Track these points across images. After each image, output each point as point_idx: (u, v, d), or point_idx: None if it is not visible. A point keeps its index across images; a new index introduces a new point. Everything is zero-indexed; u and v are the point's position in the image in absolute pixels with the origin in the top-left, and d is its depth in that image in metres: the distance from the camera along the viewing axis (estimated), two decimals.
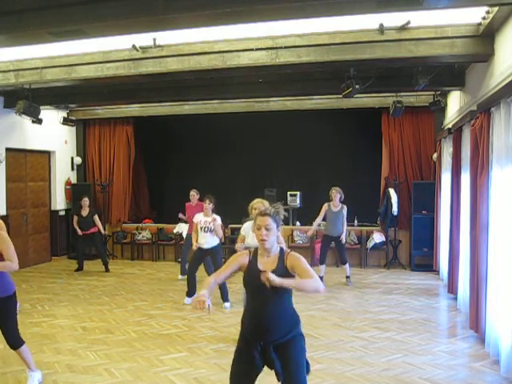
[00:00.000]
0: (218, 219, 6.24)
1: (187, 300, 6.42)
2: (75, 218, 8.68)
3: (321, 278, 7.40)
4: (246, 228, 4.97)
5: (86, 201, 8.65)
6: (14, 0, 4.03)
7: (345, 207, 7.36)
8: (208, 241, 6.24)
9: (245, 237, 4.99)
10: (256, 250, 2.85)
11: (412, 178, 9.09)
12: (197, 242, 6.29)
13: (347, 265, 7.53)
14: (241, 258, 2.83)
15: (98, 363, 4.42)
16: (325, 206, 7.41)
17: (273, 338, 2.69)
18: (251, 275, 2.72)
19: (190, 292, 6.40)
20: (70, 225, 10.11)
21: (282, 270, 2.69)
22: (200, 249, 6.29)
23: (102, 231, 8.94)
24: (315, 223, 7.56)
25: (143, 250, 10.26)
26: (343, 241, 7.42)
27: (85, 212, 8.62)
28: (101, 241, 9.08)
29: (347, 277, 7.57)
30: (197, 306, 2.52)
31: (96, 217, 8.68)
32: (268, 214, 2.73)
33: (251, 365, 2.74)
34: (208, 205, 6.23)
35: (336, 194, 7.30)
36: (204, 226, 6.21)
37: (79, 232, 8.56)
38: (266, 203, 4.75)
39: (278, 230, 2.79)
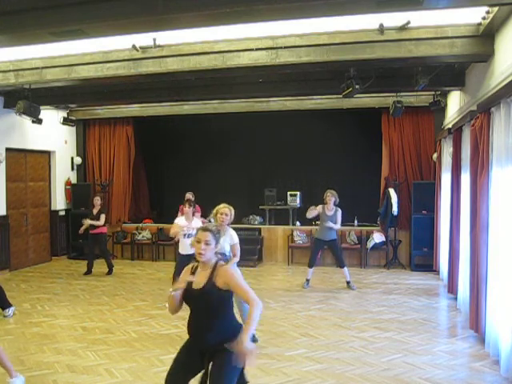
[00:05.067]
0: (198, 223, 6.07)
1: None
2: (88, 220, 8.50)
3: (307, 280, 7.34)
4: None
5: (97, 200, 8.60)
6: (14, 0, 4.03)
7: (339, 210, 7.13)
8: (189, 246, 6.12)
9: None
10: (197, 265, 2.94)
11: (412, 177, 9.09)
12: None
13: (345, 269, 7.23)
14: (185, 275, 2.95)
15: (98, 363, 4.42)
16: (319, 208, 7.16)
17: (208, 346, 2.80)
18: (187, 291, 2.83)
19: None
20: (70, 225, 10.15)
21: (211, 286, 2.77)
22: (184, 255, 6.07)
23: (99, 224, 8.52)
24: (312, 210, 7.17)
25: (143, 250, 10.26)
26: (330, 225, 7.02)
27: (95, 210, 8.51)
28: (105, 243, 8.92)
29: (347, 282, 7.27)
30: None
31: (102, 215, 8.50)
32: (209, 230, 2.88)
33: (190, 362, 2.88)
34: (188, 208, 6.13)
35: (331, 197, 7.06)
36: (187, 233, 6.05)
37: (86, 223, 8.40)
38: (232, 210, 4.80)
39: (216, 247, 2.89)
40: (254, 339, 2.86)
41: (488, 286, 4.52)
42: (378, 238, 8.89)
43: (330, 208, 7.15)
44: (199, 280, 2.82)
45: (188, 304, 2.88)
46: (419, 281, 7.87)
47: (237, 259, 4.74)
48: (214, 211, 4.84)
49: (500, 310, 4.15)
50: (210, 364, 2.80)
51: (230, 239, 4.77)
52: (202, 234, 2.85)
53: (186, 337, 5.21)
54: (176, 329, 5.42)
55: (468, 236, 5.23)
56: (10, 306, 5.93)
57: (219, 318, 2.79)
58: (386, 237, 8.95)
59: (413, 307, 6.25)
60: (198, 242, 2.84)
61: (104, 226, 8.60)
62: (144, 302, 6.65)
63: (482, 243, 4.64)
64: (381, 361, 4.43)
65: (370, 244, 8.93)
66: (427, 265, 8.52)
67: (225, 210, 4.75)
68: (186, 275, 2.94)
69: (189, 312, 2.93)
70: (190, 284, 2.84)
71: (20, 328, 5.46)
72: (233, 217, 4.86)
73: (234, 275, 2.80)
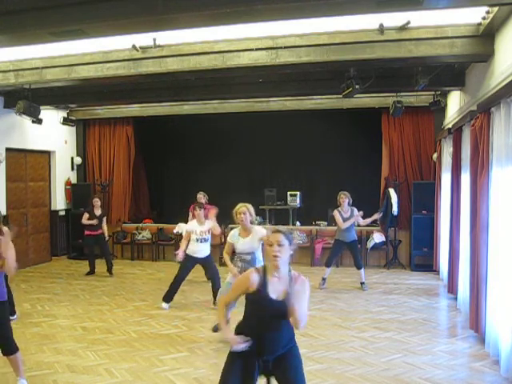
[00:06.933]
0: (211, 224, 6.12)
1: (165, 305, 6.23)
2: (85, 215, 8.34)
3: (323, 279, 7.38)
4: (235, 235, 4.84)
5: (97, 201, 8.46)
6: (14, 0, 4.03)
7: (355, 210, 7.08)
8: (202, 250, 6.14)
9: (233, 244, 4.82)
10: (265, 269, 2.74)
11: (412, 178, 9.09)
12: (184, 250, 6.07)
13: (362, 270, 7.20)
14: (249, 281, 2.71)
15: (98, 363, 4.42)
16: (336, 214, 7.05)
17: (275, 355, 2.73)
18: (261, 301, 2.67)
19: (168, 298, 6.23)
20: (70, 225, 10.15)
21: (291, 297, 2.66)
22: (192, 258, 6.11)
23: (106, 236, 8.61)
24: (345, 224, 7.00)
25: (143, 250, 10.26)
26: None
27: (97, 212, 8.38)
28: (107, 242, 8.80)
29: (362, 283, 7.24)
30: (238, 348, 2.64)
31: (104, 219, 8.46)
32: (280, 231, 2.72)
33: (249, 375, 2.74)
34: (199, 211, 6.08)
35: (345, 198, 7.02)
36: (200, 238, 6.06)
37: (86, 222, 8.31)
38: (250, 207, 4.76)
39: (291, 250, 2.71)
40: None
41: (488, 286, 4.52)
42: (378, 238, 8.89)
43: (345, 210, 7.07)
44: (277, 289, 2.66)
45: (258, 310, 2.70)
46: (419, 281, 7.87)
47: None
48: (234, 213, 4.78)
49: (500, 309, 4.15)
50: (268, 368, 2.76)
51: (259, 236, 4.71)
52: (273, 235, 2.68)
53: (187, 337, 5.22)
54: (176, 329, 5.42)
55: (468, 236, 5.23)
56: (14, 313, 5.75)
57: (288, 326, 2.70)
58: (386, 237, 8.95)
59: (413, 307, 6.25)
60: (270, 245, 2.65)
61: (101, 227, 8.45)
62: (144, 301, 6.64)
63: (482, 243, 4.64)
64: (381, 361, 4.43)
65: (370, 244, 8.93)
66: (427, 265, 8.51)
67: (242, 209, 4.68)
68: (243, 284, 2.74)
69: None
70: (266, 295, 2.65)
71: (20, 328, 5.45)
72: (253, 214, 4.79)
73: (308, 287, 2.69)
